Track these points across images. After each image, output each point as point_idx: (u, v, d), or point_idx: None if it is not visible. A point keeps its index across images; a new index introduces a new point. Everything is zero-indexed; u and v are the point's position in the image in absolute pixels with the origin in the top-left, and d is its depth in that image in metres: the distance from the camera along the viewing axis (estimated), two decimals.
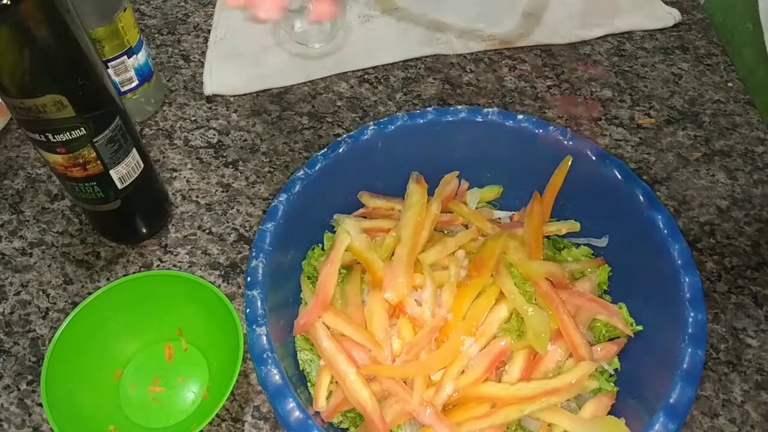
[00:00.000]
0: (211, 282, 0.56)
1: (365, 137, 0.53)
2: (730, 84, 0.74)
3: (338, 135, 0.71)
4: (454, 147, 0.56)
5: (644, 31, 0.80)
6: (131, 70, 0.68)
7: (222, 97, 0.76)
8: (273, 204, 0.50)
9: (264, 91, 0.76)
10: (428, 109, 0.55)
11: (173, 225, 0.65)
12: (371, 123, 0.54)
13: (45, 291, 0.62)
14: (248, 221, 0.65)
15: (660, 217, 0.47)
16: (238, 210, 0.66)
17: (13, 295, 0.62)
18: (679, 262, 0.46)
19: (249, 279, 0.47)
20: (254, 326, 0.45)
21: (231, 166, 0.70)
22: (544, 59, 0.78)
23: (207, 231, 0.65)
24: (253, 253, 0.48)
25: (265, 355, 0.43)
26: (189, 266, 0.62)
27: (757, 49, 0.75)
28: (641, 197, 0.49)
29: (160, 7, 0.86)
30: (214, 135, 0.73)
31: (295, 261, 0.54)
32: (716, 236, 0.62)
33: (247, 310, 0.45)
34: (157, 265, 0.63)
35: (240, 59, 0.79)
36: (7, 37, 0.45)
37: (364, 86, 0.76)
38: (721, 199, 0.64)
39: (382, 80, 0.77)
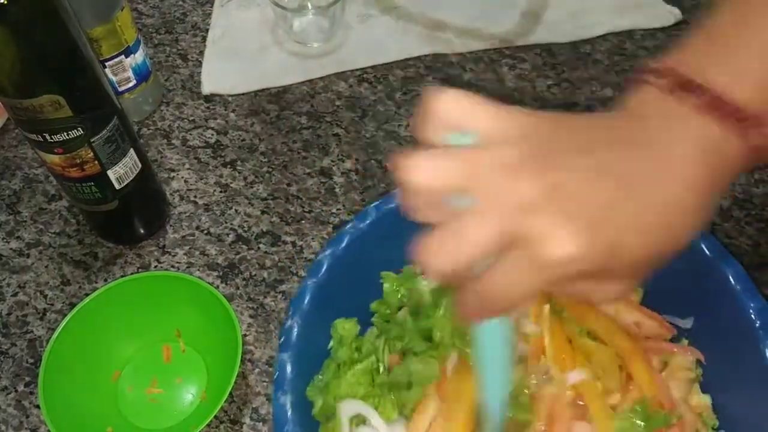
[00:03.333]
0: (209, 283, 0.55)
1: None
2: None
3: (337, 135, 0.71)
4: None
5: (645, 29, 0.80)
6: (129, 70, 0.68)
7: (220, 96, 0.76)
8: (317, 258, 0.47)
9: (262, 90, 0.76)
10: None
11: (171, 225, 0.65)
12: None
13: (42, 292, 0.61)
14: (246, 221, 0.65)
15: (752, 305, 0.43)
16: (236, 210, 0.66)
17: (11, 296, 0.61)
18: (758, 322, 0.42)
19: (282, 339, 0.44)
20: (279, 393, 0.42)
21: (229, 166, 0.69)
22: (544, 58, 0.77)
23: (205, 231, 0.64)
24: (290, 312, 0.45)
25: (285, 429, 0.41)
26: (187, 267, 0.62)
27: None
28: (731, 279, 0.44)
29: (158, 6, 0.86)
30: (212, 135, 0.72)
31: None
32: (717, 236, 0.62)
33: (276, 374, 0.43)
34: (155, 266, 0.62)
35: (238, 58, 0.79)
36: (4, 37, 0.44)
37: (363, 85, 0.76)
38: (722, 198, 0.64)
39: (381, 79, 0.76)
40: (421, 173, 0.27)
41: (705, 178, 0.29)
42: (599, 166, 0.28)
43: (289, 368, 0.43)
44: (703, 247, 0.46)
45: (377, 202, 0.50)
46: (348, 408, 0.47)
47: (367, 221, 0.49)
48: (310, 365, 0.46)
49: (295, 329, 0.45)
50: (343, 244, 0.48)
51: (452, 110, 0.28)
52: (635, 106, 0.31)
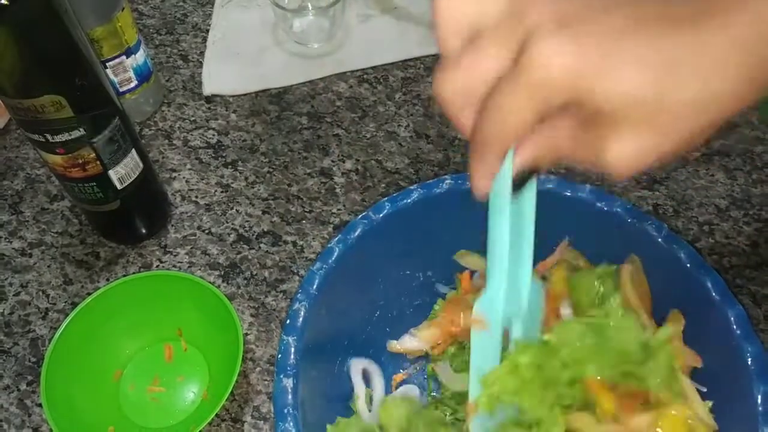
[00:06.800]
0: (210, 282, 0.56)
1: (439, 190, 0.50)
2: None
3: (337, 135, 0.71)
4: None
5: None
6: (130, 70, 0.68)
7: (221, 97, 0.76)
8: (329, 246, 0.47)
9: (263, 91, 0.76)
10: None
11: (173, 225, 0.65)
12: (447, 176, 0.50)
13: (45, 291, 0.62)
14: (248, 221, 0.65)
15: (750, 349, 0.42)
16: (237, 210, 0.66)
17: (13, 295, 0.61)
18: (753, 367, 0.42)
19: (288, 322, 0.44)
20: (282, 375, 0.42)
21: (230, 166, 0.70)
22: None
23: (206, 231, 0.65)
24: (298, 295, 0.45)
25: (286, 410, 0.41)
26: (189, 266, 0.62)
27: None
28: (733, 320, 0.44)
29: (159, 6, 0.86)
30: (213, 135, 0.73)
31: (342, 318, 0.50)
32: (715, 236, 0.62)
33: (279, 356, 0.43)
34: (157, 266, 0.62)
35: (239, 59, 0.79)
36: (5, 37, 0.45)
37: (363, 86, 0.76)
38: (720, 198, 0.64)
39: (381, 80, 0.76)
40: (447, 84, 0.27)
41: (753, 64, 0.25)
42: (630, 19, 0.25)
43: (292, 351, 0.43)
44: (709, 284, 0.45)
45: (393, 196, 0.50)
46: (357, 364, 0.49)
47: (381, 214, 0.49)
48: (314, 350, 0.46)
49: (302, 312, 0.45)
50: (356, 234, 0.48)
51: (462, 10, 0.28)
52: None
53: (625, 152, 0.26)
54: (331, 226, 0.64)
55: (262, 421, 0.53)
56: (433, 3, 0.28)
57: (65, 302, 0.61)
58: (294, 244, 0.63)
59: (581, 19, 0.25)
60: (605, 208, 0.49)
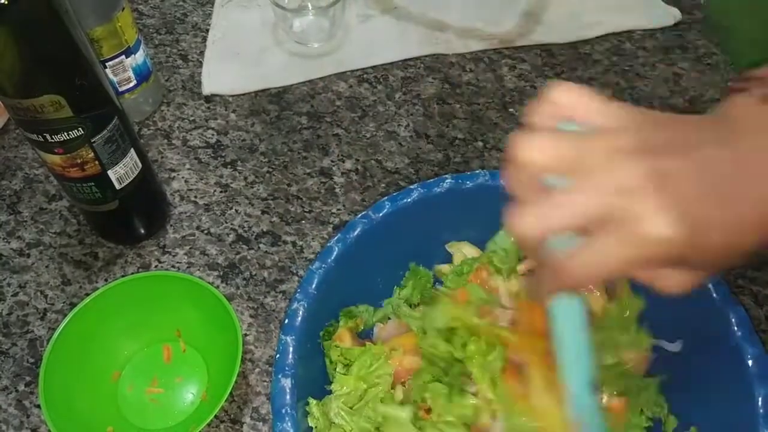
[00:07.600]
0: (209, 283, 0.55)
1: (440, 190, 0.50)
2: (731, 83, 0.74)
3: (337, 135, 0.71)
4: None
5: (644, 30, 0.80)
6: (129, 70, 0.68)
7: (220, 96, 0.76)
8: (328, 245, 0.48)
9: (263, 90, 0.76)
10: None
11: (171, 225, 0.65)
12: (448, 175, 0.50)
13: (43, 292, 0.61)
14: (247, 221, 0.65)
15: (751, 352, 0.42)
16: (236, 210, 0.66)
17: (11, 296, 0.61)
18: (754, 369, 0.42)
19: (286, 322, 0.44)
20: (280, 375, 0.42)
21: (229, 166, 0.69)
22: (543, 59, 0.78)
23: (205, 231, 0.65)
24: (297, 294, 0.45)
25: (284, 410, 0.41)
26: (187, 267, 0.62)
27: (757, 48, 0.74)
28: (734, 321, 0.44)
29: (159, 6, 0.86)
30: (212, 135, 0.72)
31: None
32: None
33: (277, 356, 0.43)
34: (156, 266, 0.62)
35: (238, 59, 0.79)
36: (5, 37, 0.45)
37: (363, 86, 0.76)
38: None
39: (381, 80, 0.76)
40: (530, 149, 0.29)
41: None
42: (704, 163, 0.29)
43: (291, 351, 0.43)
44: (711, 290, 0.45)
45: (392, 195, 0.50)
46: None
47: (381, 213, 0.49)
48: (312, 350, 0.46)
49: (301, 312, 0.45)
50: (356, 233, 0.48)
51: (568, 100, 0.30)
52: (733, 113, 0.32)
53: (683, 284, 0.32)
54: (331, 226, 0.64)
55: (261, 423, 0.53)
56: (511, 146, 0.30)
57: (63, 303, 0.61)
58: (293, 244, 0.63)
59: (675, 182, 0.28)
60: None
